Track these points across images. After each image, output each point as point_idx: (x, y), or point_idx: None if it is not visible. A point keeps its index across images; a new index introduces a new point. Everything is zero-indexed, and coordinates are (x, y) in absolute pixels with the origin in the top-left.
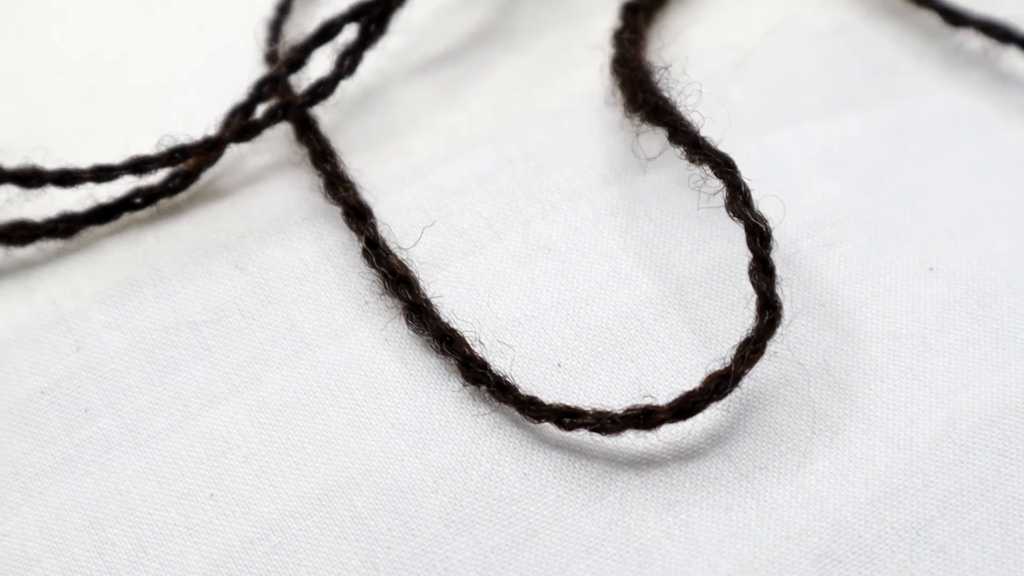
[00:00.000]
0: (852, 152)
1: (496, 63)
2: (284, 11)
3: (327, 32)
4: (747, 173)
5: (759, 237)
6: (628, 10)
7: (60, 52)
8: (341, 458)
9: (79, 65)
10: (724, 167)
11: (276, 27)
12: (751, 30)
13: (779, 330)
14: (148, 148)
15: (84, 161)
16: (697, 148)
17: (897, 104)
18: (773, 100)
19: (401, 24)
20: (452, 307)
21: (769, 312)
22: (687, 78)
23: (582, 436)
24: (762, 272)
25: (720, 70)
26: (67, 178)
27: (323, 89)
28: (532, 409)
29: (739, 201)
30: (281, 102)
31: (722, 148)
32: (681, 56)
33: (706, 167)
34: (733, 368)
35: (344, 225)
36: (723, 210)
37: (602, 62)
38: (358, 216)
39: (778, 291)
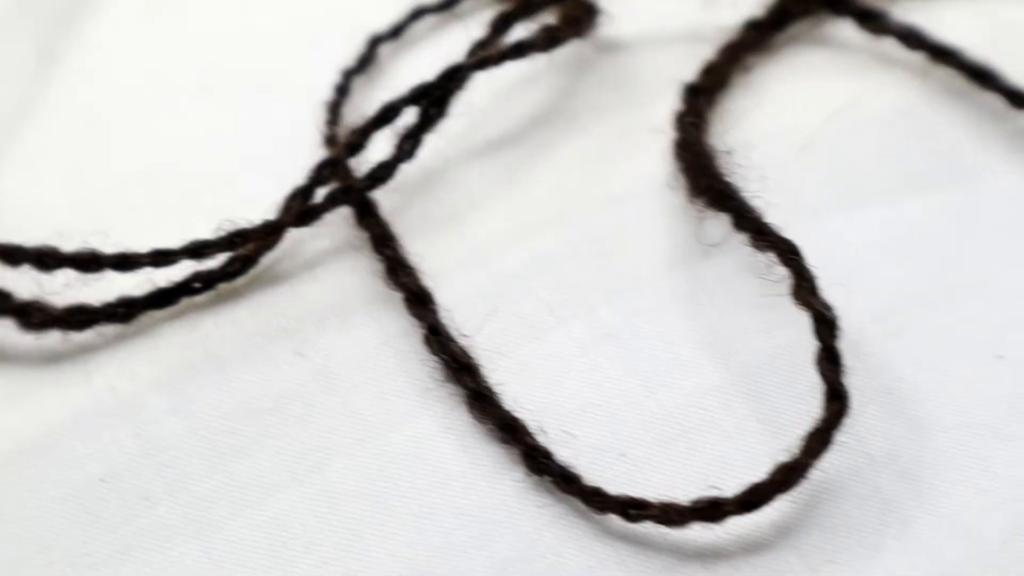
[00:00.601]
0: (916, 237)
1: (558, 146)
2: (343, 93)
3: (387, 115)
4: (811, 259)
5: (826, 326)
6: (690, 93)
7: (118, 136)
8: (403, 549)
9: (137, 149)
10: (789, 254)
11: (335, 109)
12: (813, 113)
13: (847, 420)
14: (207, 232)
15: (142, 245)
16: (762, 235)
17: (962, 187)
18: (836, 184)
19: (461, 107)
20: (515, 395)
21: (837, 402)
22: (750, 162)
23: (647, 528)
24: (829, 362)
25: (783, 154)
26: (126, 262)
27: (383, 173)
28: (597, 500)
29: (805, 289)
30: (341, 186)
31: (786, 234)
32: (744, 140)
33: (771, 254)
34: (801, 459)
35: (405, 311)
36: (788, 297)
37: (664, 146)
38: (419, 302)
39: (845, 381)
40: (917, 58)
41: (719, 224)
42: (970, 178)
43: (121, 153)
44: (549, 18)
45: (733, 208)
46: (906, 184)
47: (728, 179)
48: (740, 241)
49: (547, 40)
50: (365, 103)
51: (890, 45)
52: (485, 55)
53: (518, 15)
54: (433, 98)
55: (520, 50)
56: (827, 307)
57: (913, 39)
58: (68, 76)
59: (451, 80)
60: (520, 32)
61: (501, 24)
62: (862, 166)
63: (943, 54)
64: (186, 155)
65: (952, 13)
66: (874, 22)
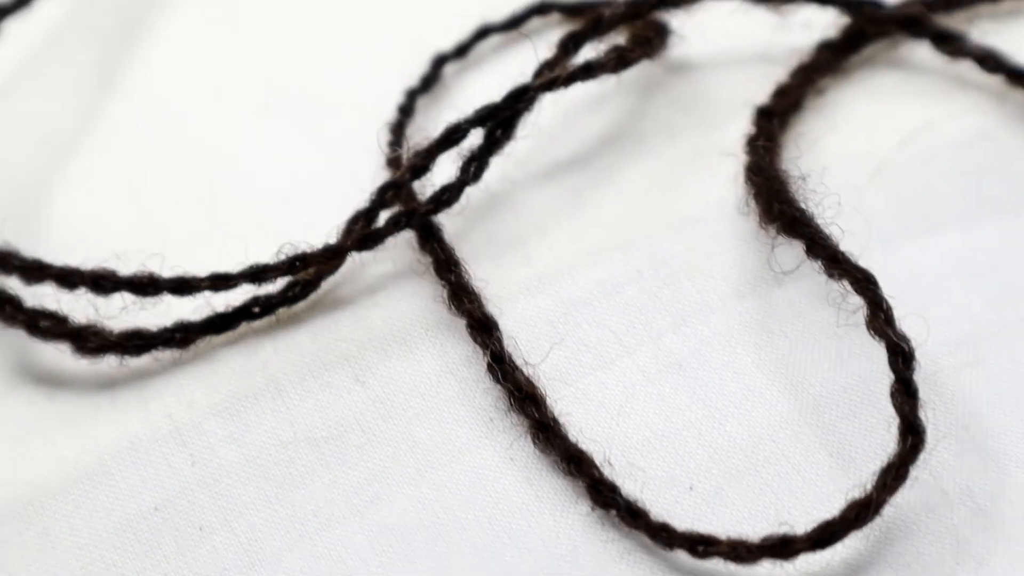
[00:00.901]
0: (993, 264)
1: (626, 168)
2: (407, 114)
3: (452, 137)
4: (886, 286)
5: (902, 358)
6: (762, 115)
7: (177, 155)
8: None
9: (196, 169)
10: (865, 283)
11: (399, 131)
12: (888, 137)
13: (922, 456)
14: (267, 255)
15: (201, 268)
16: (836, 263)
17: None
18: (912, 209)
19: (527, 128)
20: (580, 426)
21: (912, 437)
22: (824, 188)
23: (716, 564)
24: (904, 395)
25: (857, 178)
26: (184, 286)
27: (447, 196)
28: (664, 536)
29: (881, 320)
30: (404, 209)
31: (861, 261)
32: (817, 164)
33: (845, 283)
34: (874, 495)
35: (468, 338)
36: (861, 327)
37: (736, 169)
38: (483, 329)
39: (920, 414)
40: (995, 81)
41: (791, 251)
42: None
43: (180, 172)
44: (619, 38)
45: (806, 235)
46: (983, 209)
47: (801, 205)
48: (813, 269)
49: (617, 61)
50: (430, 124)
51: (967, 67)
52: (552, 76)
53: (587, 35)
54: (499, 120)
55: (589, 71)
56: (903, 338)
57: (991, 62)
58: (127, 94)
59: (517, 101)
60: (589, 52)
61: (569, 44)
62: (938, 191)
63: (1022, 77)
64: (246, 175)
65: None
66: (951, 44)
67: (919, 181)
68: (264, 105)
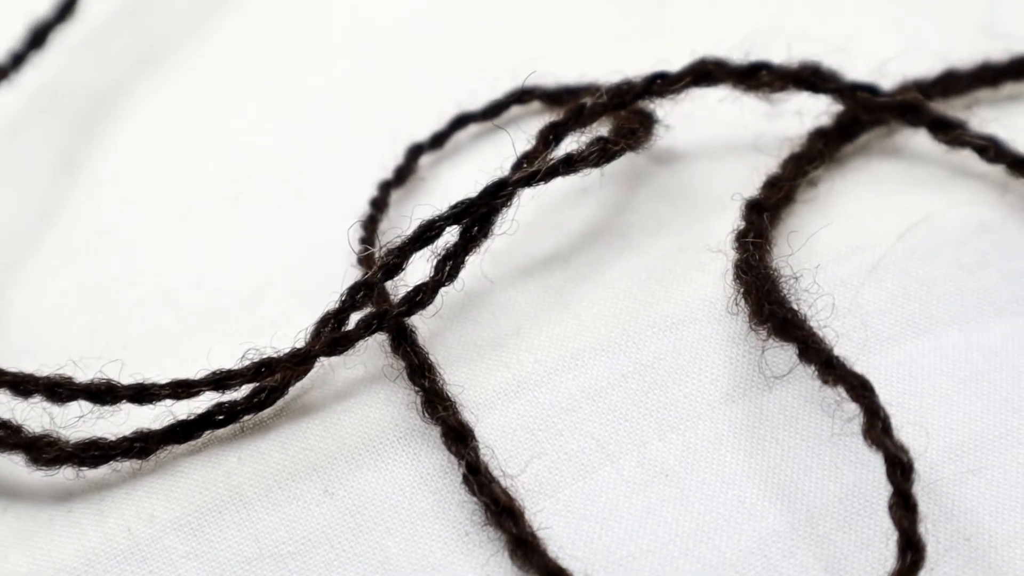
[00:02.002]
0: (995, 365)
1: (609, 266)
2: (380, 208)
3: (426, 234)
4: (883, 391)
5: (900, 470)
6: (752, 209)
7: (140, 250)
8: None
9: (160, 265)
10: (861, 391)
11: (371, 226)
12: (885, 231)
13: (922, 573)
14: (232, 357)
15: (163, 369)
16: (830, 368)
17: None
18: (909, 307)
19: (506, 224)
20: (561, 540)
21: (912, 553)
22: (817, 287)
23: None
24: (903, 508)
25: (852, 275)
26: (143, 394)
27: (421, 297)
28: None
29: (878, 429)
30: (376, 311)
31: (857, 364)
32: (810, 261)
33: (840, 388)
34: None
35: (443, 447)
36: (858, 434)
37: (724, 267)
38: (458, 438)
39: (920, 528)
40: (996, 170)
41: (783, 354)
42: None
43: (143, 269)
44: (602, 128)
45: (799, 338)
46: (984, 306)
47: (793, 305)
48: (807, 373)
49: (600, 154)
50: (404, 218)
51: (967, 155)
52: (532, 171)
53: (568, 126)
54: (475, 216)
55: (570, 165)
56: (902, 449)
57: (992, 151)
58: (89, 185)
59: (495, 197)
60: (571, 143)
61: (550, 135)
62: (937, 287)
63: None
64: (211, 272)
65: None
66: (950, 133)
67: (918, 277)
68: (231, 197)
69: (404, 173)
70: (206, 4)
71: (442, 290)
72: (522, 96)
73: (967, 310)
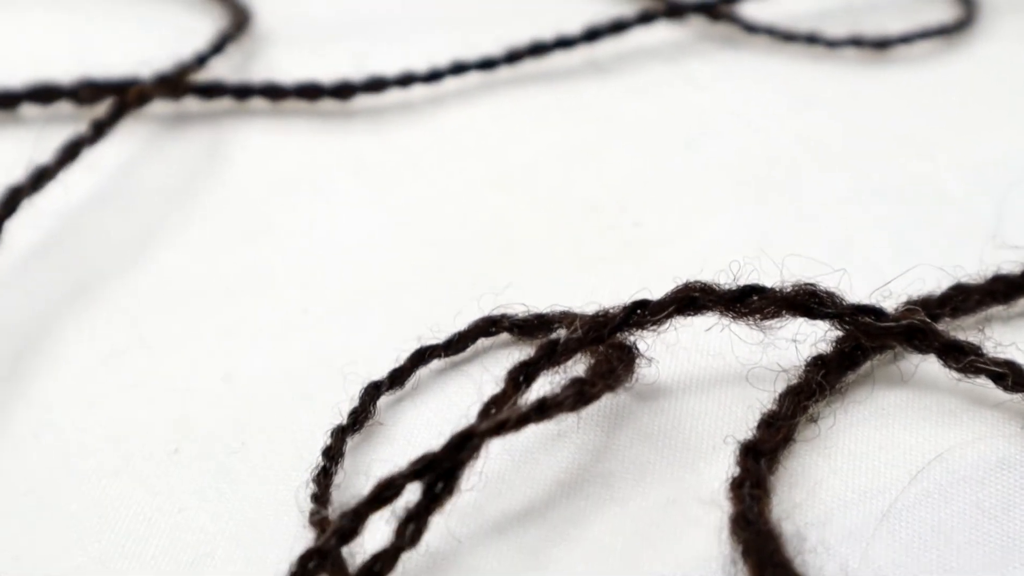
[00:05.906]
0: None
1: (589, 521)
2: (334, 459)
3: (384, 494)
4: None
5: None
6: (747, 453)
7: (73, 515)
8: None
9: (93, 534)
10: None
11: (324, 481)
12: (895, 472)
13: None
14: None
15: None
16: None
17: None
18: (926, 559)
19: (473, 478)
20: None
21: None
22: (823, 542)
23: None
24: None
25: (861, 525)
26: None
27: (380, 566)
28: None
29: None
30: None
31: None
32: (814, 511)
33: None
34: None
35: None
36: None
37: (719, 521)
38: None
39: None
40: (1015, 400)
41: None
42: None
43: (74, 542)
44: (578, 365)
45: None
46: (1010, 554)
47: (798, 567)
48: None
49: (576, 398)
50: (361, 471)
51: (983, 383)
52: (501, 419)
53: (540, 364)
54: (439, 471)
55: (543, 411)
56: None
57: (1010, 378)
58: (15, 441)
59: (460, 450)
60: (543, 384)
61: (520, 377)
62: (955, 537)
63: None
64: (146, 539)
65: None
66: (963, 359)
67: (934, 525)
68: (170, 452)
69: (360, 416)
70: (141, 228)
71: (403, 555)
72: (489, 326)
73: (992, 561)
